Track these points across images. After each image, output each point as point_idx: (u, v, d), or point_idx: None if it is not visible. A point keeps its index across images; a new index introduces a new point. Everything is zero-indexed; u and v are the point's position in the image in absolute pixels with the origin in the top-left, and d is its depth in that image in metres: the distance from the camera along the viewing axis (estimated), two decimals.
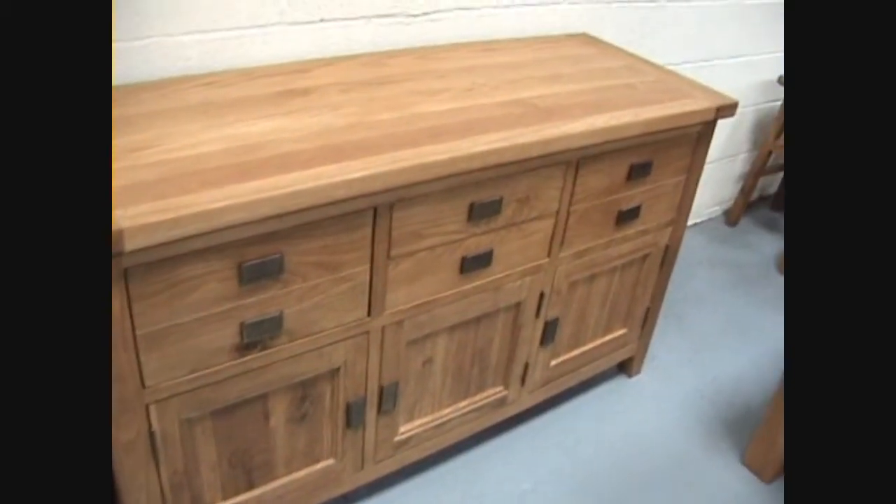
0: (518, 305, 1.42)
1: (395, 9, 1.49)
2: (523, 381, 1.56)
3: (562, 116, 1.28)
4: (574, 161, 1.31)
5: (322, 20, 1.42)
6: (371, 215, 1.10)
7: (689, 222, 2.56)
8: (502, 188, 1.23)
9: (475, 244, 1.26)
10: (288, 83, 1.29)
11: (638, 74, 1.56)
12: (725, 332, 2.10)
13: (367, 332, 1.22)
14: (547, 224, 1.35)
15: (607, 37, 1.86)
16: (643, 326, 1.77)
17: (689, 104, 1.44)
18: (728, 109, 1.50)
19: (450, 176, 1.13)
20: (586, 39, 1.76)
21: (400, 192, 1.10)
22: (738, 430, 1.76)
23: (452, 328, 1.35)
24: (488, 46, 1.60)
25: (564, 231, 1.39)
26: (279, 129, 1.13)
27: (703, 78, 2.19)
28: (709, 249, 2.48)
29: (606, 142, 1.30)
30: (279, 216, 1.00)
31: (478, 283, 1.31)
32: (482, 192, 1.21)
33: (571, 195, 1.35)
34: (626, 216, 1.48)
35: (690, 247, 2.44)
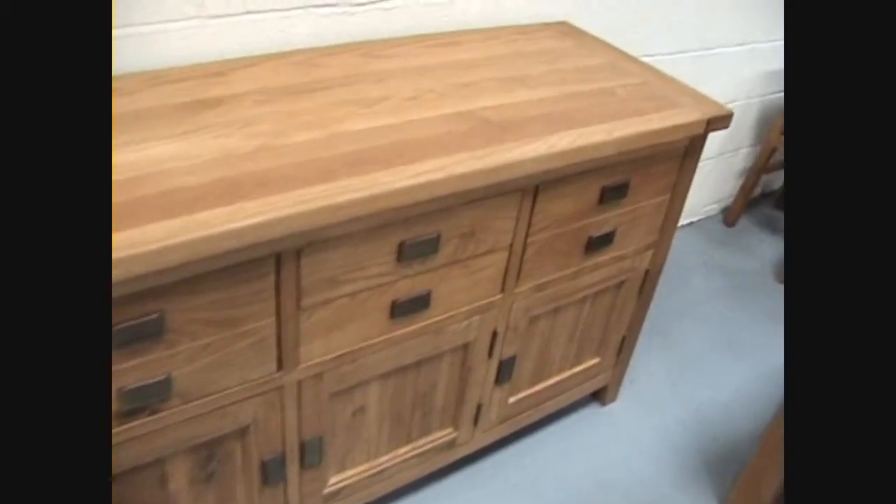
0: (466, 346, 1.25)
1: None
2: (476, 421, 1.39)
3: (517, 134, 1.09)
4: (531, 188, 1.12)
5: (248, 12, 1.21)
6: (273, 263, 0.93)
7: (685, 221, 2.36)
8: (439, 223, 1.04)
9: (408, 287, 1.08)
10: (198, 91, 1.10)
11: (620, 76, 1.35)
12: (715, 350, 1.93)
13: (280, 388, 1.05)
14: (499, 258, 1.17)
15: (593, 26, 1.64)
16: (619, 354, 1.60)
17: (675, 116, 1.24)
18: (721, 121, 1.30)
19: (370, 215, 0.94)
20: (566, 30, 1.54)
21: (308, 235, 0.92)
22: (721, 469, 1.60)
23: (386, 375, 1.18)
24: (448, 39, 1.39)
25: (521, 264, 1.21)
26: (173, 155, 0.94)
27: (703, 68, 1.97)
28: (704, 253, 2.29)
29: (571, 164, 1.11)
30: (155, 273, 0.82)
31: (413, 327, 1.14)
32: (414, 230, 1.02)
33: (529, 225, 1.16)
34: (598, 243, 1.30)
35: (683, 250, 2.24)
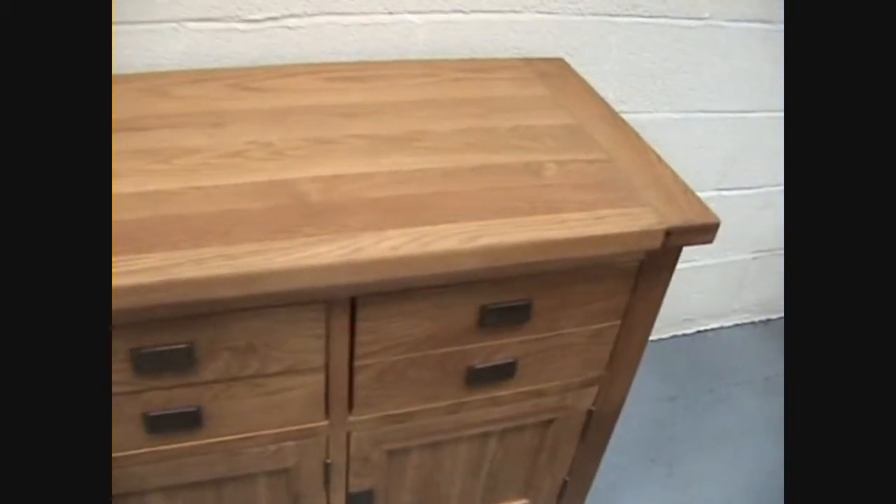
0: (286, 471, 0.98)
1: (221, 10, 1.04)
2: None
3: (329, 225, 0.79)
4: (343, 300, 0.82)
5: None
6: None
7: (751, 319, 1.84)
8: (188, 332, 0.78)
9: (162, 400, 0.83)
10: None
11: (575, 146, 0.99)
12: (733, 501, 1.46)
13: None
14: (310, 380, 0.88)
15: (605, 68, 1.25)
16: (560, 499, 1.23)
17: (611, 219, 0.86)
18: (694, 233, 0.89)
19: None
20: (552, 70, 1.18)
21: None
22: None
23: (168, 489, 0.95)
24: (361, 72, 1.09)
25: (351, 390, 0.91)
26: None
27: (753, 129, 1.48)
28: (768, 365, 1.75)
29: (393, 280, 0.79)
30: None
31: (186, 444, 0.89)
32: (149, 337, 0.77)
33: (352, 346, 0.86)
34: (487, 374, 0.95)
35: (738, 358, 1.74)
